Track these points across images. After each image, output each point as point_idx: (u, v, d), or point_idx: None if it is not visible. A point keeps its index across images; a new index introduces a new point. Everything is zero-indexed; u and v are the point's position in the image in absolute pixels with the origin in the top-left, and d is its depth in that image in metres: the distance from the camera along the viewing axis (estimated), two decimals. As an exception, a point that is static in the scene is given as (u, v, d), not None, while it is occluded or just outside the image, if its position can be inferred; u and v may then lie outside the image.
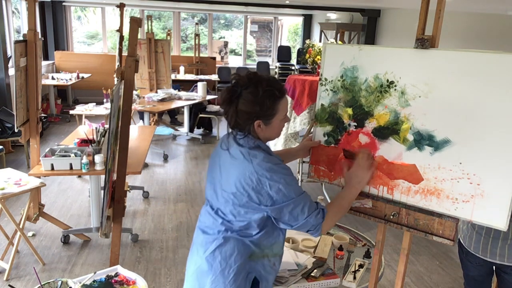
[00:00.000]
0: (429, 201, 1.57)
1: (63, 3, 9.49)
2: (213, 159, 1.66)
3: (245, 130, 1.55)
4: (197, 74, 9.54)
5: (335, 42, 5.90)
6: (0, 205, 3.02)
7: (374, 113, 1.67)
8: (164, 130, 7.52)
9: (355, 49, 1.70)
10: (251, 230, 1.55)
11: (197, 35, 9.36)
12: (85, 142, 3.51)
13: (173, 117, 8.23)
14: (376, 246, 1.85)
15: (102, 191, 3.08)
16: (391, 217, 1.70)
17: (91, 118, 5.66)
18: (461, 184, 1.49)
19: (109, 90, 6.17)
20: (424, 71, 1.53)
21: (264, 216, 1.52)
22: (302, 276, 1.97)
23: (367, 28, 8.42)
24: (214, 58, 10.02)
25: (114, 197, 2.78)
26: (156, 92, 7.04)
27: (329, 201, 1.78)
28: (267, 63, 11.01)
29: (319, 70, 1.86)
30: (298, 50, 10.87)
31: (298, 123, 4.50)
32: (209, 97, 7.32)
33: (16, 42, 3.22)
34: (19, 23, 8.22)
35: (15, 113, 3.32)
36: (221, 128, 7.72)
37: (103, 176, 3.31)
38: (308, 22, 11.26)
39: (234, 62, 11.49)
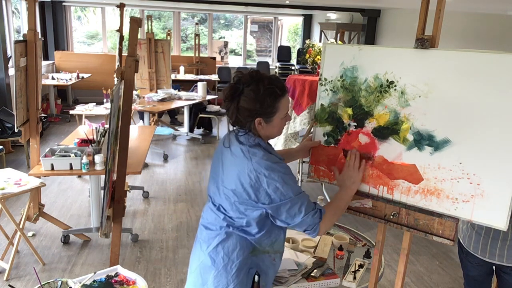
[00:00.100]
0: (429, 201, 1.57)
1: (63, 3, 9.49)
2: (216, 156, 1.68)
3: (246, 128, 1.57)
4: (197, 74, 9.54)
5: (335, 42, 5.90)
6: (0, 205, 3.02)
7: (374, 113, 1.67)
8: (164, 130, 7.52)
9: (355, 49, 1.70)
10: (251, 229, 1.57)
11: (197, 35, 9.36)
12: (85, 142, 3.51)
13: (173, 117, 8.23)
14: (376, 246, 1.85)
15: (102, 191, 3.08)
16: (391, 217, 1.70)
17: (91, 118, 5.66)
18: (461, 184, 1.49)
19: (109, 90, 6.17)
20: (424, 71, 1.53)
21: (263, 213, 1.54)
22: (302, 276, 1.97)
23: (367, 28, 8.42)
24: (214, 58, 10.02)
25: (114, 197, 2.78)
26: (156, 92, 7.04)
27: (329, 201, 1.78)
28: (267, 63, 11.02)
29: (319, 70, 1.86)
30: (298, 50, 10.87)
31: (298, 123, 4.50)
32: (209, 97, 7.32)
33: (16, 42, 3.22)
34: (19, 23, 8.22)
35: (15, 113, 3.32)
36: (221, 128, 7.72)
37: (103, 176, 3.31)
38: (308, 22, 11.26)
39: (234, 62, 11.49)
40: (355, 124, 1.73)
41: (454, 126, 1.48)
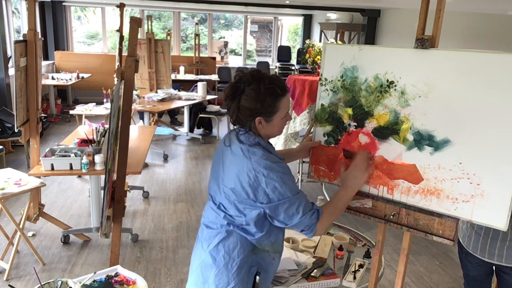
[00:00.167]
0: (429, 201, 1.57)
1: (63, 3, 9.49)
2: (217, 155, 1.68)
3: (246, 127, 1.58)
4: (197, 74, 9.54)
5: (335, 42, 5.90)
6: (0, 205, 3.02)
7: (374, 113, 1.67)
8: (164, 130, 7.52)
9: (355, 49, 1.70)
10: (250, 228, 1.57)
11: (197, 35, 9.35)
12: (85, 142, 3.51)
13: (173, 117, 8.23)
14: (376, 246, 1.85)
15: (102, 191, 3.08)
16: (391, 217, 1.70)
17: (91, 118, 5.66)
18: (461, 184, 1.49)
19: (109, 90, 6.17)
20: (424, 71, 1.53)
21: (261, 213, 1.54)
22: (302, 276, 1.97)
23: (367, 28, 8.42)
24: (214, 58, 10.02)
25: (114, 197, 2.78)
26: (156, 92, 7.04)
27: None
28: (267, 63, 11.02)
29: (319, 70, 1.86)
30: (298, 50, 10.87)
31: (298, 123, 4.51)
32: (209, 97, 7.32)
33: (16, 42, 3.22)
34: (19, 23, 8.22)
35: (15, 113, 3.32)
36: (221, 128, 7.72)
37: (103, 176, 3.31)
38: (308, 22, 11.25)
39: (234, 62, 11.49)
40: (355, 124, 1.73)
41: (454, 126, 1.48)
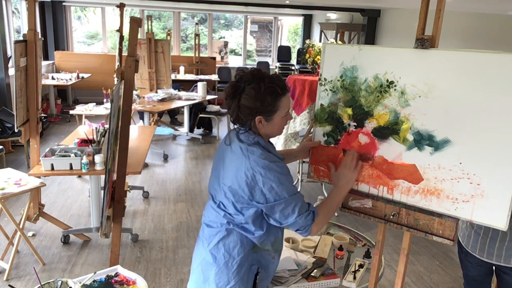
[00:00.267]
0: (429, 201, 1.57)
1: (63, 3, 9.49)
2: (217, 154, 1.69)
3: (246, 126, 1.59)
4: (197, 74, 9.54)
5: (335, 42, 5.90)
6: (0, 205, 3.02)
7: (374, 113, 1.67)
8: (164, 130, 7.52)
9: (355, 49, 1.70)
10: (249, 226, 1.58)
11: (197, 35, 9.35)
12: (85, 142, 3.51)
13: (173, 117, 8.23)
14: (376, 246, 1.85)
15: (102, 191, 3.08)
16: (391, 217, 1.70)
17: (91, 118, 5.66)
18: (461, 184, 1.49)
19: (109, 90, 6.17)
20: (424, 71, 1.53)
21: (258, 210, 1.56)
22: (302, 276, 1.97)
23: (367, 28, 8.42)
24: (214, 58, 10.01)
25: (114, 197, 2.78)
26: (156, 92, 7.04)
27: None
28: (267, 63, 11.02)
29: (319, 70, 1.85)
30: (298, 50, 10.87)
31: (298, 123, 4.50)
32: (209, 97, 7.32)
33: (16, 42, 3.22)
34: (19, 23, 8.22)
35: (15, 113, 3.32)
36: (221, 128, 7.72)
37: (103, 176, 3.31)
38: (308, 22, 11.25)
39: (234, 62, 11.49)
40: (355, 124, 1.73)
41: (454, 126, 1.48)
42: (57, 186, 4.83)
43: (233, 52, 11.96)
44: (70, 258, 3.42)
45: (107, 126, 3.96)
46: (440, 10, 1.47)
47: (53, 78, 8.06)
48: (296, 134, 4.71)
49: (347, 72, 1.72)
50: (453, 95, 1.47)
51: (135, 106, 5.86)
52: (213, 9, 10.40)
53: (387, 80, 1.62)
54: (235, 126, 1.65)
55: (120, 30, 4.98)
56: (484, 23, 5.75)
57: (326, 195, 4.72)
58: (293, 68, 10.72)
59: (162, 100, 6.45)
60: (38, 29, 8.56)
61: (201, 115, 7.25)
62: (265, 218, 1.58)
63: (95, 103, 6.31)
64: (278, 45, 11.50)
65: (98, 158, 3.17)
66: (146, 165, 5.69)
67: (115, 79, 4.26)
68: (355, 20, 8.93)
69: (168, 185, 5.09)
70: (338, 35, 7.43)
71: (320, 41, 9.39)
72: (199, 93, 7.11)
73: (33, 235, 3.73)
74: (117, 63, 5.59)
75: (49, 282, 1.59)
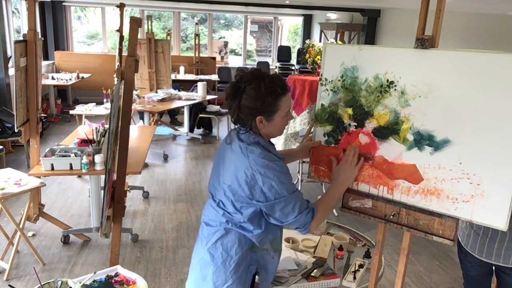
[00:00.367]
0: (429, 201, 1.57)
1: (63, 3, 9.49)
2: (218, 153, 1.70)
3: (247, 126, 1.59)
4: (197, 74, 9.54)
5: (335, 42, 5.89)
6: (0, 205, 3.02)
7: (374, 113, 1.67)
8: (164, 130, 7.52)
9: (355, 49, 1.70)
10: (248, 225, 1.58)
11: (197, 35, 9.35)
12: (85, 142, 3.51)
13: (173, 117, 8.23)
14: (376, 246, 1.85)
15: (102, 191, 3.08)
16: (391, 217, 1.70)
17: (91, 118, 5.66)
18: (461, 184, 1.49)
19: (109, 90, 6.17)
20: (424, 71, 1.53)
21: (257, 209, 1.56)
22: (302, 276, 1.97)
23: (367, 28, 8.42)
24: (214, 58, 10.01)
25: (114, 197, 2.78)
26: (156, 92, 7.04)
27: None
28: (267, 63, 11.02)
29: (319, 70, 1.86)
30: (298, 50, 10.87)
31: (298, 123, 4.50)
32: (209, 97, 7.32)
33: (16, 42, 3.22)
34: (19, 23, 8.22)
35: (15, 113, 3.32)
36: (221, 128, 7.72)
37: (103, 176, 3.31)
38: (308, 22, 11.25)
39: (234, 62, 11.49)
40: (355, 124, 1.73)
41: (454, 126, 1.48)
42: (57, 186, 4.83)
43: (233, 52, 11.97)
44: (70, 258, 3.42)
45: (107, 126, 3.96)
46: (440, 10, 1.47)
47: (53, 78, 8.06)
48: (296, 134, 4.71)
49: (347, 72, 1.72)
50: (453, 95, 1.47)
51: (135, 106, 5.86)
52: (213, 9, 10.40)
53: (387, 80, 1.62)
54: (236, 126, 1.65)
55: (120, 30, 4.98)
56: (484, 23, 5.75)
57: (326, 195, 4.72)
58: (293, 68, 10.73)
59: (162, 100, 6.45)
60: (38, 29, 8.56)
61: (201, 115, 7.25)
62: (264, 216, 1.59)
63: (95, 103, 6.31)
64: (278, 45, 11.50)
65: (98, 158, 3.17)
66: (146, 165, 5.69)
67: (115, 79, 4.26)
68: (355, 20, 8.93)
69: (168, 185, 5.09)
70: (338, 35, 7.43)
71: (320, 41, 9.39)
72: (199, 93, 7.11)
73: (33, 235, 3.73)
74: (117, 63, 5.59)
75: (49, 282, 1.59)
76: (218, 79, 9.43)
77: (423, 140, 1.55)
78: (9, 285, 1.75)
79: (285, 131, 4.57)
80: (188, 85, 8.14)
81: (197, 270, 1.66)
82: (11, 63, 6.48)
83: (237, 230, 1.59)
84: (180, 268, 3.35)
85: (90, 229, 3.66)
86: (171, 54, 7.64)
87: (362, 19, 8.51)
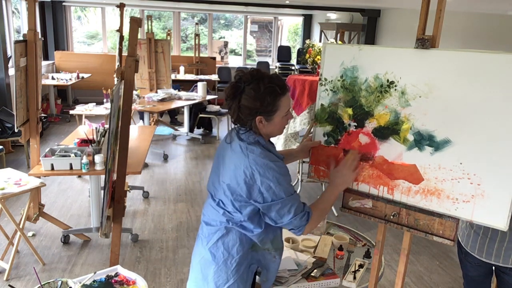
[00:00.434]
0: (430, 201, 1.57)
1: (63, 3, 9.49)
2: (218, 152, 1.70)
3: (247, 126, 1.59)
4: (197, 74, 9.54)
5: (335, 42, 5.89)
6: (0, 205, 3.02)
7: (374, 113, 1.67)
8: (164, 130, 7.52)
9: (355, 49, 1.70)
10: (248, 224, 1.59)
11: (197, 35, 9.35)
12: (85, 142, 3.51)
13: (173, 117, 8.23)
14: (376, 246, 1.85)
15: (102, 191, 3.08)
16: (391, 217, 1.70)
17: (91, 118, 5.66)
18: (462, 184, 1.49)
19: (109, 90, 6.17)
20: (424, 71, 1.53)
21: (256, 208, 1.56)
22: (302, 276, 1.97)
23: (367, 28, 8.42)
24: (214, 58, 10.01)
25: (114, 197, 2.78)
26: (156, 92, 7.04)
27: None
28: (267, 63, 11.02)
29: (319, 70, 1.85)
30: (298, 50, 10.87)
31: (298, 123, 4.50)
32: (209, 97, 7.32)
33: (16, 42, 3.22)
34: (19, 23, 8.22)
35: (15, 113, 3.32)
36: (221, 128, 7.72)
37: (103, 176, 3.31)
38: (308, 22, 11.25)
39: (234, 62, 11.49)
40: (355, 124, 1.73)
41: (454, 126, 1.48)
42: (57, 186, 4.83)
43: (233, 52, 11.96)
44: (70, 258, 3.42)
45: (107, 126, 3.96)
46: (441, 10, 1.47)
47: (53, 78, 8.06)
48: (296, 134, 4.71)
49: (347, 72, 1.72)
50: (454, 95, 1.47)
51: (135, 106, 5.86)
52: (213, 9, 10.40)
53: (388, 80, 1.62)
54: (236, 126, 1.65)
55: (120, 30, 4.98)
56: (484, 23, 5.75)
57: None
58: (293, 68, 10.72)
59: (162, 100, 6.45)
60: (38, 29, 8.56)
61: (201, 115, 7.25)
62: (262, 216, 1.59)
63: (95, 103, 6.31)
64: (278, 45, 11.50)
65: (98, 158, 3.17)
66: (146, 165, 5.69)
67: (115, 79, 4.26)
68: (355, 20, 8.93)
69: (168, 185, 5.09)
70: (338, 35, 7.43)
71: (320, 41, 9.39)
72: (199, 93, 7.11)
73: (33, 235, 3.73)
74: (117, 63, 5.59)
75: (49, 282, 1.59)
76: (218, 79, 9.43)
77: (423, 140, 1.55)
78: (9, 285, 1.75)
79: (285, 131, 4.57)
80: (188, 85, 8.14)
81: (198, 270, 1.66)
82: (11, 63, 6.48)
83: (238, 230, 1.60)
84: (180, 268, 3.35)
85: (90, 229, 3.66)
86: (171, 54, 7.64)
87: (362, 19, 8.51)
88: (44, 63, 8.72)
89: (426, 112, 1.53)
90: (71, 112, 6.30)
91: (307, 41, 5.61)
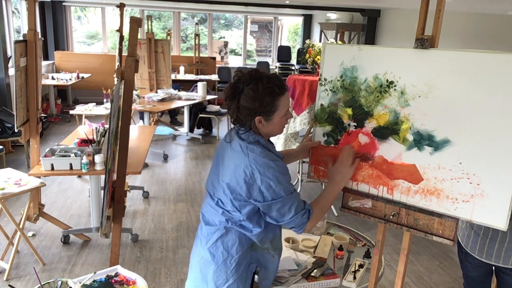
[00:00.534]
0: (429, 201, 1.57)
1: (63, 3, 9.49)
2: (217, 152, 1.70)
3: (246, 126, 1.59)
4: (197, 74, 9.54)
5: (335, 42, 5.89)
6: (0, 205, 3.02)
7: (374, 113, 1.67)
8: (164, 130, 7.52)
9: (355, 49, 1.70)
10: (247, 223, 1.59)
11: (197, 35, 9.35)
12: (85, 142, 3.51)
13: (173, 117, 8.23)
14: (376, 246, 1.85)
15: (102, 191, 3.08)
16: (391, 217, 1.70)
17: (91, 118, 5.66)
18: (461, 184, 1.49)
19: (109, 90, 6.17)
20: (424, 71, 1.53)
21: (255, 208, 1.57)
22: (302, 276, 1.97)
23: (367, 28, 8.42)
24: (214, 58, 10.01)
25: (114, 197, 2.78)
26: (156, 92, 7.04)
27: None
28: (267, 63, 11.02)
29: (319, 70, 1.85)
30: (298, 50, 10.87)
31: (298, 123, 4.50)
32: (209, 97, 7.32)
33: (16, 42, 3.22)
34: (19, 23, 8.22)
35: (15, 113, 3.32)
36: (221, 128, 7.72)
37: (103, 176, 3.31)
38: (308, 22, 11.25)
39: (234, 62, 11.49)
40: (355, 124, 1.73)
41: (454, 126, 1.48)
42: (57, 186, 4.83)
43: (233, 52, 11.97)
44: (70, 258, 3.42)
45: (107, 126, 3.96)
46: (440, 10, 1.47)
47: (53, 78, 8.06)
48: (296, 134, 4.71)
49: (347, 72, 1.72)
50: (453, 95, 1.47)
51: (135, 106, 5.86)
52: (213, 9, 10.40)
53: (387, 80, 1.62)
54: (236, 125, 1.65)
55: (120, 30, 4.98)
56: (484, 23, 5.75)
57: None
58: (293, 68, 10.73)
59: (162, 100, 6.45)
60: (38, 29, 8.56)
61: (201, 115, 7.25)
62: (262, 215, 1.59)
63: (95, 103, 6.31)
64: (278, 45, 11.50)
65: (98, 158, 3.17)
66: (146, 165, 5.69)
67: (115, 79, 4.26)
68: (355, 20, 8.93)
69: (168, 185, 5.09)
70: (338, 35, 7.43)
71: (320, 41, 9.39)
72: (199, 93, 7.12)
73: (33, 235, 3.73)
74: (117, 63, 5.59)
75: (49, 282, 1.59)
76: (218, 79, 9.43)
77: (423, 140, 1.55)
78: (9, 285, 1.75)
79: (285, 130, 4.57)
80: (188, 85, 8.14)
81: (197, 270, 1.66)
82: (11, 63, 6.48)
83: (237, 229, 1.60)
84: (180, 268, 3.35)
85: (90, 229, 3.66)
86: (171, 54, 7.64)
87: (362, 19, 8.51)
88: (44, 63, 8.72)
89: (426, 112, 1.53)
90: (71, 112, 6.30)
91: (307, 41, 5.61)
